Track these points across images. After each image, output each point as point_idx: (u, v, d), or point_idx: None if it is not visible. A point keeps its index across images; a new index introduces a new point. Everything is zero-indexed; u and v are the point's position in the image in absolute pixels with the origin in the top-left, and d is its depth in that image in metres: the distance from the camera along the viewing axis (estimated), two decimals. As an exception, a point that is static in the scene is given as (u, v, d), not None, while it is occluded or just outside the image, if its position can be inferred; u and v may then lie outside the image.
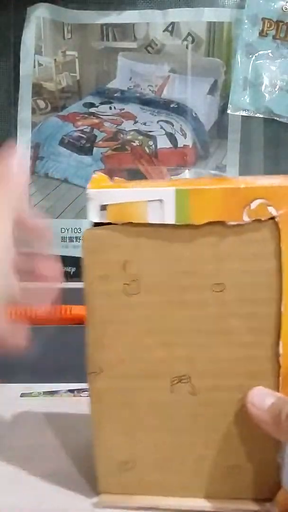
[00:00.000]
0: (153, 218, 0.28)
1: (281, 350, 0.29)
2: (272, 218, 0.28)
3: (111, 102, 0.85)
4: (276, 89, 0.80)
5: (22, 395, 0.46)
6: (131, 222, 0.28)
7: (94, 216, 0.29)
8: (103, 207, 0.29)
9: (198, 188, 0.28)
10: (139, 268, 0.29)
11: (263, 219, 0.28)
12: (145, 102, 0.84)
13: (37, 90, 0.85)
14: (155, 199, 0.28)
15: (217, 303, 0.29)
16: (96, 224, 0.29)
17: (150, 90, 0.84)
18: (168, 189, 0.28)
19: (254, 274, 0.28)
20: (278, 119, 0.80)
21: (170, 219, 0.28)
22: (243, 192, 0.28)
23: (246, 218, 0.28)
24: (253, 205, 0.28)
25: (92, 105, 0.85)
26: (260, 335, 0.29)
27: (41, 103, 0.85)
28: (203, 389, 0.30)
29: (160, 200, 0.28)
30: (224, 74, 0.82)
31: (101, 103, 0.85)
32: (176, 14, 0.82)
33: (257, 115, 0.80)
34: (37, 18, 0.83)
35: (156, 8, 0.82)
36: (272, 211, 0.28)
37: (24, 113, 0.85)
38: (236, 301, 0.29)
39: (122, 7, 0.82)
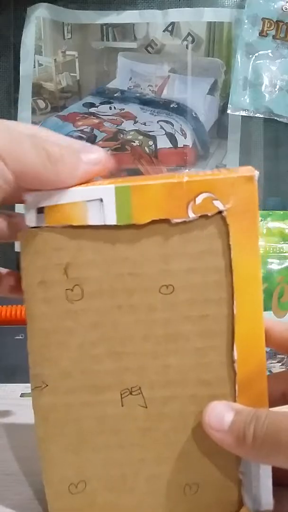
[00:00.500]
0: (93, 219, 0.26)
1: (236, 355, 0.27)
2: (219, 212, 0.26)
3: (111, 102, 0.84)
4: (276, 89, 0.80)
5: (22, 395, 0.46)
6: (71, 225, 0.27)
7: (30, 220, 0.27)
8: (40, 210, 0.27)
9: (139, 185, 0.26)
10: (81, 271, 0.27)
11: (209, 214, 0.26)
12: (145, 102, 0.84)
13: (37, 90, 0.84)
14: (94, 198, 0.26)
15: (166, 307, 0.27)
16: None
17: (150, 90, 0.84)
18: (108, 187, 0.26)
19: (203, 273, 0.27)
20: (278, 119, 0.80)
21: (111, 220, 0.26)
22: (186, 187, 0.26)
23: (191, 214, 0.26)
24: (198, 199, 0.26)
25: (92, 105, 0.85)
26: (212, 339, 0.27)
27: (41, 103, 0.85)
28: (154, 401, 0.28)
29: (100, 200, 0.26)
30: (224, 74, 0.82)
31: (101, 103, 0.84)
32: (176, 14, 0.82)
33: (257, 115, 0.80)
34: (37, 18, 0.83)
35: (156, 8, 0.82)
36: (219, 205, 0.26)
37: (24, 113, 0.84)
38: (186, 303, 0.27)
39: (122, 7, 0.82)
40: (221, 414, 0.26)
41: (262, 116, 0.80)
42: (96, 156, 0.28)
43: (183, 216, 0.26)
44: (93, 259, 0.27)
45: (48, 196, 0.27)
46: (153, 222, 0.26)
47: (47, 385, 0.28)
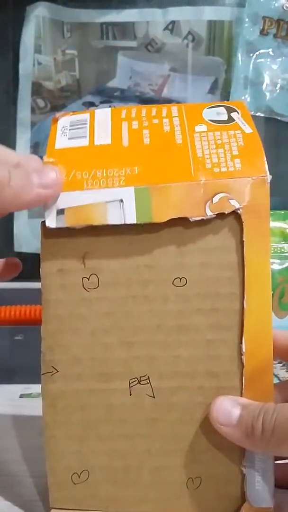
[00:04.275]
0: (113, 219, 0.27)
1: (244, 349, 0.28)
2: (235, 211, 0.27)
3: (111, 101, 0.84)
4: (277, 88, 0.80)
5: (21, 396, 0.46)
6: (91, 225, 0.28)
7: (51, 221, 0.28)
8: (61, 211, 0.28)
9: (159, 186, 0.27)
10: (99, 261, 0.28)
11: (226, 212, 0.27)
12: (145, 101, 0.84)
13: (37, 89, 0.84)
14: (114, 199, 0.27)
15: (178, 299, 0.28)
16: None
17: (150, 89, 0.84)
18: (128, 189, 0.27)
19: (216, 268, 0.28)
20: (279, 118, 0.80)
21: (131, 219, 0.27)
22: (204, 187, 0.27)
23: (209, 213, 0.27)
24: (215, 199, 0.27)
25: (92, 104, 0.84)
26: (222, 332, 0.28)
27: (41, 102, 0.84)
28: (163, 391, 0.28)
29: (120, 200, 0.27)
30: (225, 73, 0.82)
31: (101, 102, 0.84)
32: (176, 13, 0.82)
33: (258, 114, 0.80)
34: (37, 17, 0.83)
35: (156, 7, 0.82)
36: (235, 204, 0.27)
37: (24, 113, 0.84)
38: (198, 296, 0.28)
39: (122, 5, 0.82)
40: (228, 409, 0.27)
41: (263, 115, 0.80)
42: (50, 179, 0.28)
43: (201, 214, 0.27)
44: (111, 251, 0.28)
45: (68, 197, 0.28)
46: (171, 220, 0.27)
47: (57, 371, 0.29)
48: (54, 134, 0.31)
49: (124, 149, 0.29)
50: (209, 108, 0.31)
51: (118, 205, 0.27)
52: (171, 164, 0.28)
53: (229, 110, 0.31)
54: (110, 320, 0.28)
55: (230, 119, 0.30)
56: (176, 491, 0.29)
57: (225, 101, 0.30)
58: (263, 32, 0.79)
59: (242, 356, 0.28)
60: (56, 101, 0.85)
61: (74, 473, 0.29)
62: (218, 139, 0.29)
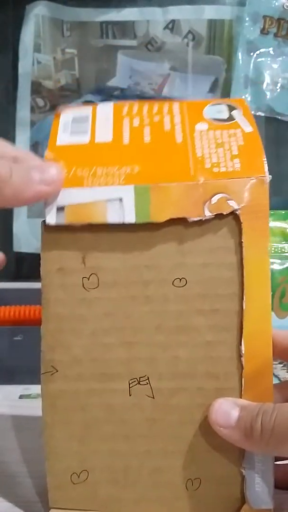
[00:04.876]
0: (112, 218, 0.27)
1: (243, 350, 0.27)
2: (233, 211, 0.27)
3: (111, 100, 0.84)
4: (277, 87, 0.80)
5: (21, 396, 0.46)
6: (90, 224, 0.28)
7: (50, 218, 0.28)
8: (61, 208, 0.28)
9: (159, 185, 0.27)
10: (99, 261, 0.28)
11: (224, 213, 0.27)
12: (146, 100, 0.84)
13: (36, 88, 0.84)
14: (114, 198, 0.27)
15: (178, 299, 0.28)
16: None
17: (150, 88, 0.83)
18: (127, 187, 0.27)
19: (215, 268, 0.28)
20: (279, 117, 0.80)
21: (130, 219, 0.27)
22: (203, 187, 0.27)
23: (207, 213, 0.27)
24: (214, 199, 0.27)
25: (91, 103, 0.84)
26: (222, 333, 0.28)
27: (40, 102, 0.84)
28: (162, 392, 0.28)
29: (120, 199, 0.27)
30: (225, 72, 0.82)
31: (101, 101, 0.84)
32: (176, 12, 0.81)
33: (258, 113, 0.80)
34: (36, 16, 0.83)
35: (156, 6, 0.82)
36: (233, 204, 0.27)
37: (23, 112, 0.84)
38: (198, 297, 0.28)
39: (122, 4, 0.82)
40: (227, 411, 0.27)
41: (263, 114, 0.80)
42: (50, 175, 0.27)
43: (199, 215, 0.27)
44: (111, 250, 0.28)
45: (69, 194, 0.28)
46: (171, 220, 0.27)
47: (57, 371, 0.28)
48: (56, 130, 0.31)
49: (124, 147, 0.29)
50: (210, 106, 0.31)
51: (118, 203, 0.27)
52: (171, 163, 0.28)
53: (230, 108, 0.31)
54: (110, 320, 0.28)
55: (231, 118, 0.30)
56: (175, 492, 0.29)
57: (226, 99, 0.30)
58: (263, 31, 0.79)
59: (242, 357, 0.27)
60: (56, 100, 0.85)
61: (73, 473, 0.29)
62: (218, 138, 0.29)
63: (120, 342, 0.28)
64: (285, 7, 0.78)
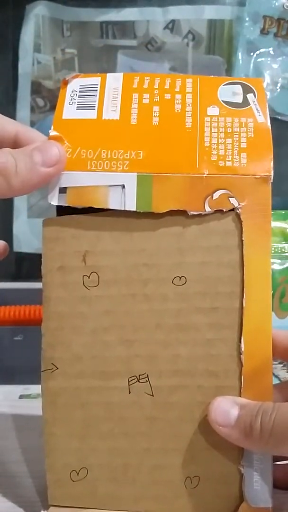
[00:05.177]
0: (113, 204, 0.27)
1: (243, 348, 0.27)
2: (233, 209, 0.27)
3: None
4: (277, 88, 0.79)
5: (21, 396, 0.46)
6: (91, 209, 0.28)
7: (53, 198, 0.28)
8: (63, 190, 0.28)
9: (162, 175, 0.27)
10: (99, 259, 0.28)
11: (224, 210, 0.27)
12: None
13: (36, 88, 0.84)
14: (117, 184, 0.27)
15: (178, 297, 0.28)
16: (59, 213, 0.28)
17: (150, 88, 0.83)
18: (130, 174, 0.27)
19: (215, 267, 0.28)
20: (279, 117, 0.79)
21: (131, 206, 0.27)
22: (205, 182, 0.27)
23: (207, 208, 0.27)
24: (215, 195, 0.27)
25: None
26: (222, 331, 0.28)
27: (40, 102, 0.84)
28: (162, 390, 0.28)
29: (122, 186, 0.27)
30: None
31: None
32: (176, 12, 0.81)
33: (258, 113, 0.80)
34: (36, 16, 0.83)
35: (156, 6, 0.82)
36: (234, 202, 0.27)
37: (23, 112, 0.84)
38: (198, 295, 0.28)
39: (122, 4, 0.82)
40: (227, 409, 0.27)
41: (263, 114, 0.80)
42: (53, 155, 0.27)
43: (199, 209, 0.27)
44: (111, 249, 0.28)
45: (72, 177, 0.28)
46: (171, 213, 0.27)
47: (57, 368, 0.29)
48: (62, 101, 0.30)
49: (131, 127, 0.29)
50: (225, 85, 0.30)
51: (120, 190, 0.27)
52: (177, 151, 0.28)
53: (246, 89, 0.30)
54: (110, 318, 0.28)
55: (245, 102, 0.30)
56: (174, 490, 0.29)
57: (243, 77, 0.29)
58: (263, 31, 0.79)
59: (241, 355, 0.27)
60: (56, 100, 0.84)
61: (72, 470, 0.29)
62: (228, 126, 0.29)
63: (120, 340, 0.28)
64: (285, 7, 0.78)
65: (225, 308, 0.28)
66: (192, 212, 0.27)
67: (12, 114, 0.84)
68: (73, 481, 0.29)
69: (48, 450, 0.29)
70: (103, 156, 0.28)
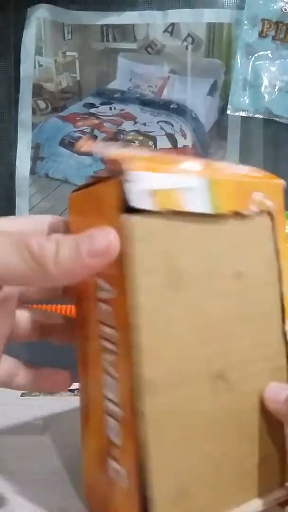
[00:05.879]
0: (191, 206, 0.28)
1: (287, 328, 0.30)
2: (267, 209, 0.31)
3: (111, 103, 0.85)
4: (275, 90, 0.80)
5: (23, 394, 0.46)
6: (174, 211, 0.27)
7: (141, 201, 0.25)
8: (151, 193, 0.26)
9: (219, 179, 0.30)
10: (180, 261, 0.28)
11: (263, 209, 0.30)
12: (145, 102, 0.84)
13: (38, 91, 0.85)
14: (191, 187, 0.28)
15: (239, 292, 0.30)
16: (126, 210, 0.26)
17: (150, 90, 0.84)
18: (201, 178, 0.29)
19: (261, 260, 0.31)
20: (277, 119, 0.80)
21: (206, 208, 0.28)
22: (247, 185, 0.30)
23: (253, 208, 0.30)
24: (255, 197, 0.30)
25: (92, 105, 0.85)
26: (271, 318, 0.31)
27: (42, 104, 0.85)
28: (236, 382, 0.29)
29: (195, 189, 0.28)
30: (224, 75, 0.82)
31: (101, 104, 0.85)
32: (176, 15, 0.82)
33: (257, 115, 0.80)
34: (38, 19, 0.84)
35: (156, 9, 0.82)
36: (268, 203, 0.30)
37: (25, 114, 0.85)
38: (252, 287, 0.30)
39: (122, 8, 0.82)
40: (279, 390, 0.29)
41: (261, 116, 0.80)
42: (101, 245, 0.24)
43: (247, 209, 0.30)
44: (189, 249, 0.29)
45: (160, 179, 0.27)
46: (227, 214, 0.30)
47: (156, 385, 0.26)
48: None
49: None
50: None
51: (193, 193, 0.28)
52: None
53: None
54: (192, 320, 0.28)
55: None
56: (256, 472, 0.30)
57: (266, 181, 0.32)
58: (262, 34, 0.79)
59: (286, 336, 0.30)
60: (57, 102, 0.85)
61: (177, 489, 0.27)
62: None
63: (200, 341, 0.28)
64: (283, 10, 0.79)
65: (271, 297, 0.31)
66: (244, 212, 0.30)
67: (14, 116, 0.85)
68: (178, 501, 0.27)
69: (152, 472, 0.26)
70: (173, 168, 0.28)
